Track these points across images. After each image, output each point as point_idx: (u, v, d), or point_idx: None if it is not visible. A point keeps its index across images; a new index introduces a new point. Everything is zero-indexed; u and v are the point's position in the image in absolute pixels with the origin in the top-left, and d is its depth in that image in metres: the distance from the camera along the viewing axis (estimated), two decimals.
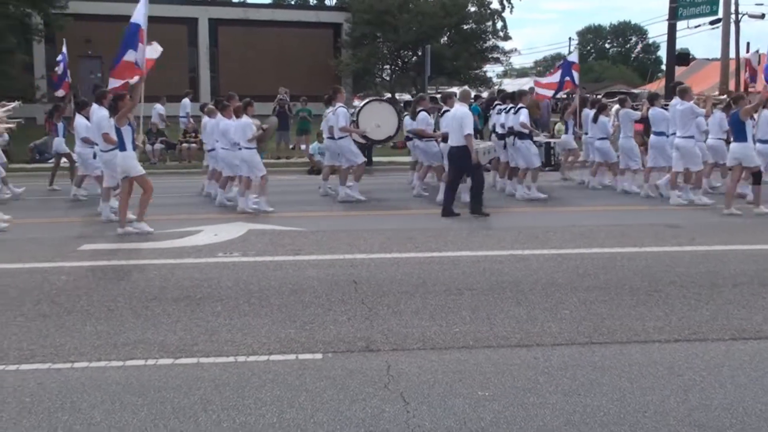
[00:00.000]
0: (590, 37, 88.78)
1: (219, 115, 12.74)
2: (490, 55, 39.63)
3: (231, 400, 4.50)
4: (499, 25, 42.33)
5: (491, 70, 46.19)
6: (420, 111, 13.51)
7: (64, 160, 15.15)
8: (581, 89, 17.41)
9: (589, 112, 14.86)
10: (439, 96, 16.86)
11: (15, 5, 24.94)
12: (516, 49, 56.64)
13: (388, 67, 40.15)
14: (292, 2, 57.12)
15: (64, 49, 16.70)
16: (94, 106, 11.50)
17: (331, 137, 13.28)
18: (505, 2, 47.38)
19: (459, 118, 11.18)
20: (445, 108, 12.39)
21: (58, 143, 15.10)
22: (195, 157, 20.95)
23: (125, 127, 10.15)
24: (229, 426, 4.18)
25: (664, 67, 29.01)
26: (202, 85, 35.39)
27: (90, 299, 6.70)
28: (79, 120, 12.70)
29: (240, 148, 11.93)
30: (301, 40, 36.14)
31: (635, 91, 37.02)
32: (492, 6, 42.85)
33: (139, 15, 10.96)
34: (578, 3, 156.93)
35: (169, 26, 34.64)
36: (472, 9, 39.51)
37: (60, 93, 16.46)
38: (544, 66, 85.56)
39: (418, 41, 34.72)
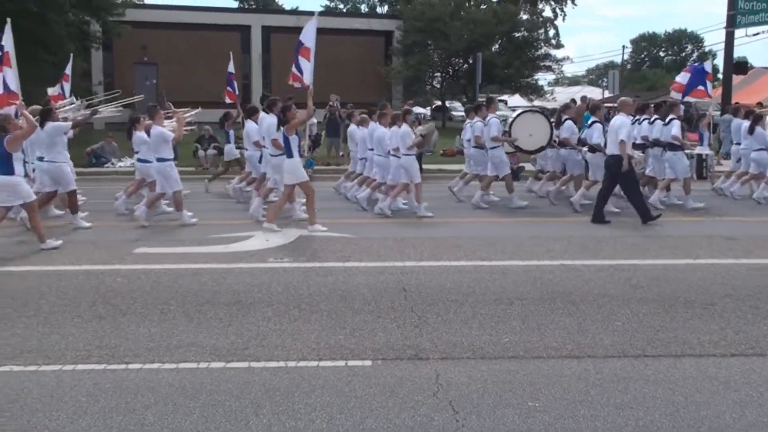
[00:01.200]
0: (644, 45, 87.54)
1: (372, 123, 13.32)
2: (541, 63, 39.39)
3: (281, 405, 4.54)
4: (552, 32, 42.16)
5: (543, 78, 45.88)
6: (566, 119, 13.57)
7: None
8: (635, 98, 17.16)
9: (741, 122, 14.76)
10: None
11: (74, 13, 25.54)
12: (568, 57, 56.37)
13: (438, 74, 40.15)
14: (344, 10, 57.54)
15: (231, 65, 17.23)
16: (263, 113, 12.44)
17: (478, 146, 13.68)
18: (557, 10, 47.21)
19: (617, 127, 11.29)
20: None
21: (229, 149, 15.95)
22: (214, 163, 21.13)
23: (293, 136, 10.71)
24: (279, 430, 4.22)
25: (720, 76, 28.38)
26: (255, 92, 35.77)
27: (144, 302, 6.83)
28: (250, 125, 13.28)
29: (394, 155, 12.30)
30: (352, 48, 36.36)
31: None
32: (544, 14, 42.68)
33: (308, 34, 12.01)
34: (632, 10, 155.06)
35: (222, 33, 35.26)
36: (525, 17, 39.39)
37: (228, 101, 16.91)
38: (597, 74, 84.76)
39: (470, 49, 34.66)
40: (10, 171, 9.41)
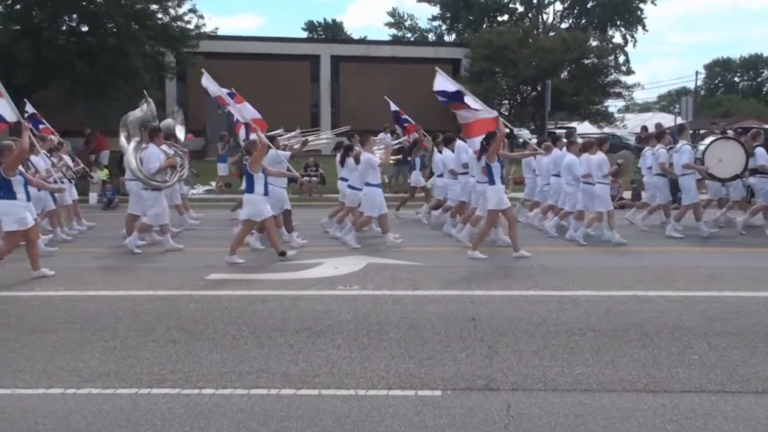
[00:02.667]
0: (718, 70, 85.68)
1: (557, 149, 13.55)
2: (611, 90, 38.92)
3: None
4: (622, 59, 41.70)
5: (613, 105, 45.33)
6: (756, 146, 13.35)
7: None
8: (711, 124, 16.81)
9: None
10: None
11: (151, 45, 26.35)
12: (639, 84, 55.35)
13: (506, 102, 40.03)
14: (412, 39, 57.97)
15: (393, 105, 17.61)
16: (460, 142, 13.36)
17: (660, 174, 13.66)
18: (627, 36, 46.72)
19: None
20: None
21: (416, 177, 16.41)
22: (315, 191, 21.50)
23: (495, 163, 10.90)
24: None
25: None
26: (323, 120, 36.26)
27: (216, 327, 6.94)
28: (446, 153, 13.88)
29: (583, 183, 12.41)
30: (420, 76, 36.33)
31: None
32: (614, 40, 42.23)
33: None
34: (705, 36, 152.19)
35: (292, 63, 35.92)
36: (594, 43, 39.05)
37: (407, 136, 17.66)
38: (668, 100, 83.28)
39: (538, 76, 34.50)
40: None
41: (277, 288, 8.75)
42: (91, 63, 24.49)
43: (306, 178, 22.30)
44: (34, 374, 5.66)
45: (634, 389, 5.32)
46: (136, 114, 13.06)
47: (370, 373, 5.66)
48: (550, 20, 50.30)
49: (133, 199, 12.33)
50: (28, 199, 9.81)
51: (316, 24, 65.85)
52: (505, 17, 51.03)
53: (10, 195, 9.50)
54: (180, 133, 14.57)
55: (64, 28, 26.06)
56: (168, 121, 14.19)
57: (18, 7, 25.85)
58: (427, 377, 5.55)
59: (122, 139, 12.70)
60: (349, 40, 54.99)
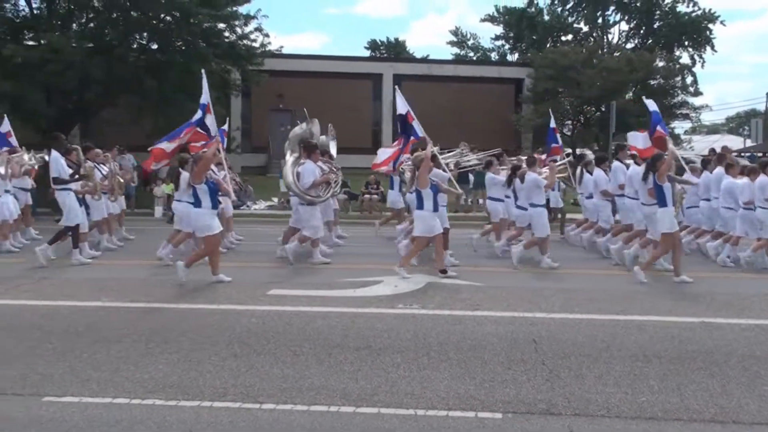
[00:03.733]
0: None
1: (719, 169, 13.22)
2: (678, 111, 38.22)
3: None
4: (689, 79, 40.90)
5: (679, 127, 44.49)
6: None
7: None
8: None
9: None
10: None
11: (217, 63, 26.86)
12: (707, 105, 54.37)
13: (569, 122, 39.63)
14: (474, 58, 57.93)
15: (554, 134, 18.24)
16: (616, 163, 13.50)
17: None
18: (695, 56, 45.86)
19: None
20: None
21: (555, 197, 16.20)
22: (376, 208, 21.59)
23: (666, 184, 10.84)
24: None
25: None
26: (384, 138, 36.41)
27: (277, 343, 7.00)
28: (598, 173, 13.94)
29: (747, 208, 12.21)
30: (482, 95, 36.50)
31: None
32: (682, 60, 41.49)
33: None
34: None
35: (355, 81, 36.21)
36: (660, 64, 38.44)
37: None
38: (737, 122, 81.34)
39: (602, 97, 34.09)
40: None
41: (337, 305, 8.79)
42: (159, 80, 25.10)
43: (367, 196, 22.44)
44: (100, 383, 5.78)
45: (701, 419, 5.16)
46: (296, 131, 13.56)
47: (429, 393, 5.62)
48: (615, 40, 49.74)
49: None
50: (214, 206, 10.56)
51: (379, 43, 66.27)
52: (569, 37, 50.65)
53: (198, 204, 10.40)
54: (333, 149, 14.91)
55: (134, 45, 26.77)
56: (322, 138, 14.51)
57: (91, 25, 26.69)
58: (488, 399, 5.49)
59: (287, 156, 13.10)
60: (411, 59, 55.21)
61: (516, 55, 54.00)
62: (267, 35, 28.50)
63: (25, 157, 13.69)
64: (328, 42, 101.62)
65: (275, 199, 24.68)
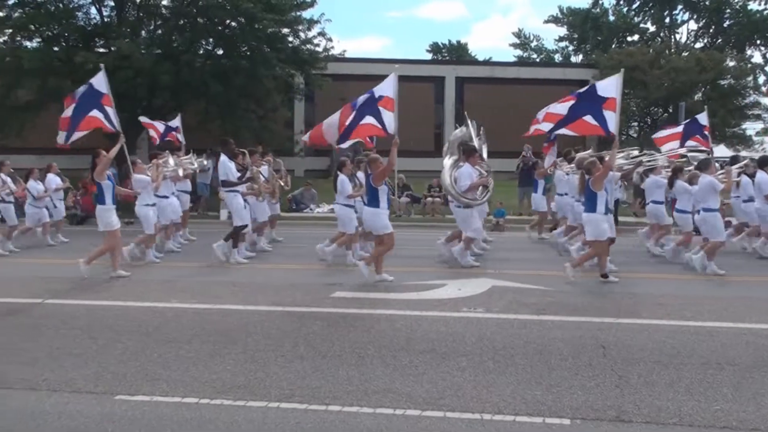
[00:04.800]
0: None
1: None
2: (749, 112, 37.17)
3: None
4: (762, 79, 39.73)
5: (751, 128, 43.24)
6: None
7: None
8: None
9: None
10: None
11: (282, 67, 27.19)
12: None
13: (635, 123, 38.92)
14: (538, 60, 57.37)
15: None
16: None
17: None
18: None
19: None
20: None
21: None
22: (438, 211, 21.54)
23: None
24: None
25: None
26: (447, 141, 36.30)
27: (342, 345, 7.03)
28: (761, 176, 13.56)
29: None
30: (546, 97, 35.79)
31: None
32: (753, 59, 40.34)
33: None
34: None
35: (417, 85, 36.12)
36: (731, 64, 37.44)
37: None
38: None
39: (670, 98, 33.39)
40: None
41: (401, 308, 8.78)
42: (225, 85, 25.51)
43: (429, 199, 22.40)
44: (170, 383, 5.89)
45: None
46: (456, 134, 13.71)
47: (495, 397, 5.57)
48: (683, 40, 48.65)
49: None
50: (389, 206, 11.07)
51: (441, 45, 66.17)
52: (635, 37, 49.73)
53: (375, 204, 10.77)
54: (484, 152, 15.04)
55: (201, 51, 27.29)
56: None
57: (159, 32, 27.31)
58: (556, 405, 5.41)
59: (446, 159, 13.19)
60: (473, 62, 55.00)
61: (580, 57, 53.27)
62: (330, 39, 28.78)
63: (171, 161, 14.14)
64: (388, 45, 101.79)
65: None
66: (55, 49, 25.80)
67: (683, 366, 6.37)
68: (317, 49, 28.47)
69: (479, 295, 9.65)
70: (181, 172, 14.46)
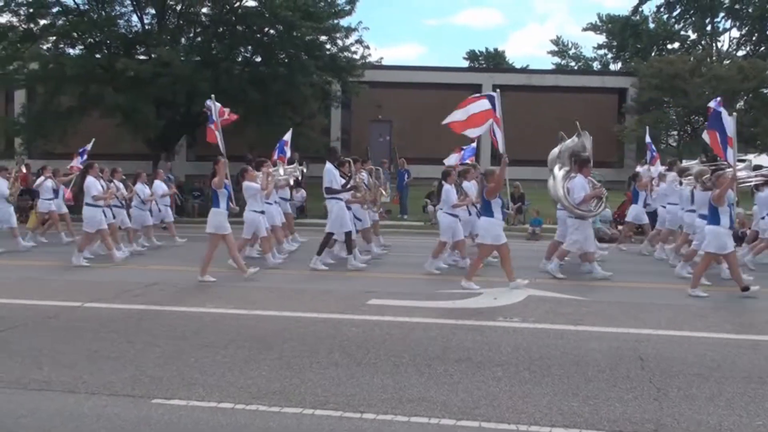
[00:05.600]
0: None
1: None
2: None
3: None
4: None
5: None
6: None
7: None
8: None
9: None
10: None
11: (319, 75, 27.34)
12: None
13: (675, 132, 38.38)
14: (576, 68, 56.99)
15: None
16: None
17: None
18: None
19: None
20: None
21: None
22: None
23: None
24: None
25: None
26: (483, 149, 36.17)
27: (377, 353, 7.01)
28: None
29: None
30: (584, 106, 35.71)
31: None
32: None
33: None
34: None
35: (454, 92, 36.00)
36: None
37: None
38: None
39: None
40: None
41: (436, 316, 8.75)
42: (263, 92, 25.71)
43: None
44: (206, 388, 5.93)
45: None
46: (567, 144, 13.53)
47: (531, 408, 5.51)
48: (725, 48, 47.95)
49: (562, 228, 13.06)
50: (504, 218, 11.28)
51: (478, 53, 66.02)
52: (676, 45, 49.15)
53: (489, 213, 10.89)
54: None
55: (239, 59, 27.55)
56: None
57: (199, 39, 27.63)
58: (593, 417, 5.34)
59: (556, 170, 13.18)
60: (511, 69, 54.73)
61: (619, 65, 52.82)
62: (367, 47, 28.84)
63: (281, 170, 14.40)
64: (425, 53, 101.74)
65: (375, 213, 24.81)
66: (97, 56, 26.23)
67: (724, 379, 6.26)
68: (354, 56, 28.57)
69: (515, 304, 9.58)
70: (292, 181, 14.96)
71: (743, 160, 35.15)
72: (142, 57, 26.51)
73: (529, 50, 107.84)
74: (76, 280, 11.48)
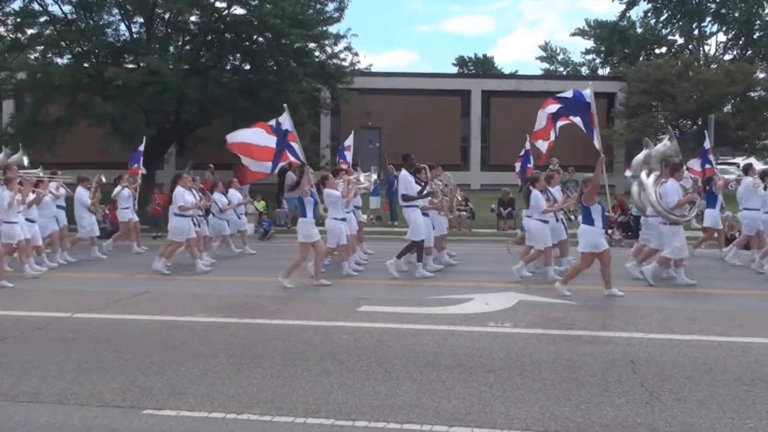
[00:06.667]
0: None
1: None
2: None
3: None
4: None
5: None
6: None
7: None
8: None
9: None
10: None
11: (308, 82, 27.31)
12: None
13: (664, 137, 38.52)
14: (564, 73, 57.18)
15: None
16: None
17: None
18: None
19: None
20: None
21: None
22: (464, 225, 21.49)
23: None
24: None
25: None
26: (472, 154, 36.24)
27: (369, 360, 6.99)
28: None
29: None
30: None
31: None
32: None
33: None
34: None
35: (444, 98, 36.16)
36: (761, 75, 36.99)
37: None
38: None
39: (699, 110, 33.03)
40: None
41: (428, 322, 8.73)
42: (252, 99, 25.66)
43: (456, 213, 22.33)
44: (197, 397, 5.89)
45: None
46: (659, 149, 13.39)
47: (524, 414, 5.50)
48: (712, 52, 48.18)
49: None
50: (604, 224, 11.13)
51: (467, 59, 66.15)
52: (663, 50, 49.35)
53: (590, 221, 10.64)
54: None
55: (228, 67, 27.49)
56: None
57: (188, 48, 27.56)
58: (585, 422, 5.33)
59: (643, 175, 13.04)
60: (500, 75, 54.85)
61: (607, 69, 52.98)
62: (356, 54, 28.81)
63: (361, 178, 14.44)
64: (415, 59, 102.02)
65: (364, 216, 24.78)
66: (85, 65, 26.12)
67: (716, 382, 6.26)
68: (344, 63, 28.54)
69: (506, 309, 9.57)
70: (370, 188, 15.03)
71: (732, 164, 35.39)
72: (130, 66, 26.41)
73: (517, 56, 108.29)
74: (65, 290, 11.41)
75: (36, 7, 26.04)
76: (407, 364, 6.85)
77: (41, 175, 15.39)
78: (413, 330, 8.31)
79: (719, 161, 37.02)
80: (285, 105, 13.22)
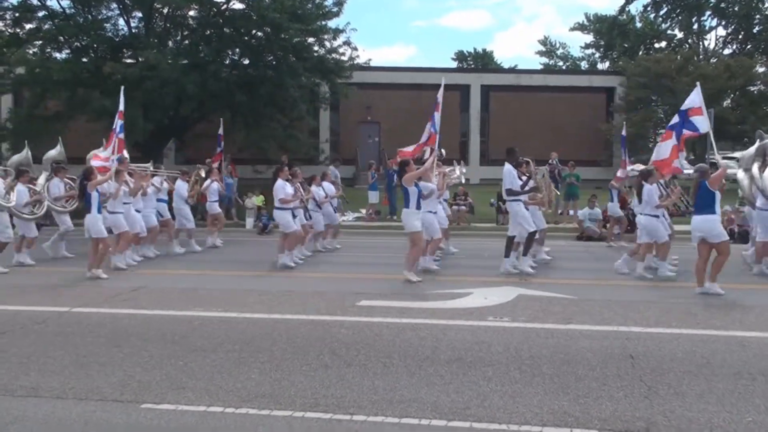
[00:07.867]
0: None
1: None
2: None
3: None
4: None
5: None
6: None
7: None
8: None
9: None
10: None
11: (307, 77, 27.30)
12: None
13: (663, 131, 38.54)
14: (564, 67, 57.15)
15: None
16: None
17: None
18: None
19: None
20: None
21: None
22: (464, 219, 21.54)
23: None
24: None
25: None
26: (472, 149, 36.25)
27: (367, 354, 6.99)
28: None
29: None
30: (572, 105, 35.88)
31: None
32: None
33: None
34: None
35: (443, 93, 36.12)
36: (761, 69, 37.00)
37: None
38: None
39: None
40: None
41: (427, 317, 8.73)
42: (251, 94, 25.67)
43: (455, 207, 22.33)
44: (195, 392, 5.89)
45: None
46: (766, 143, 13.27)
47: (522, 408, 5.50)
48: (711, 46, 48.21)
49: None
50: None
51: (466, 54, 66.14)
52: (663, 44, 49.39)
53: (712, 209, 10.44)
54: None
55: (227, 61, 27.49)
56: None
57: (186, 42, 27.56)
58: (583, 416, 5.33)
59: (755, 168, 13.00)
60: (499, 70, 54.87)
61: (607, 64, 53.05)
62: (355, 49, 28.83)
63: (456, 170, 14.56)
64: (414, 54, 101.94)
65: (363, 211, 24.83)
66: (84, 60, 26.14)
67: (714, 376, 6.26)
68: (342, 58, 28.54)
69: (505, 304, 9.57)
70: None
71: (731, 158, 35.32)
72: (129, 60, 26.42)
73: (517, 50, 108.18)
74: (63, 285, 11.41)
75: (34, 1, 26.07)
76: (406, 358, 6.84)
77: (152, 169, 15.85)
78: (412, 324, 8.30)
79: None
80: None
